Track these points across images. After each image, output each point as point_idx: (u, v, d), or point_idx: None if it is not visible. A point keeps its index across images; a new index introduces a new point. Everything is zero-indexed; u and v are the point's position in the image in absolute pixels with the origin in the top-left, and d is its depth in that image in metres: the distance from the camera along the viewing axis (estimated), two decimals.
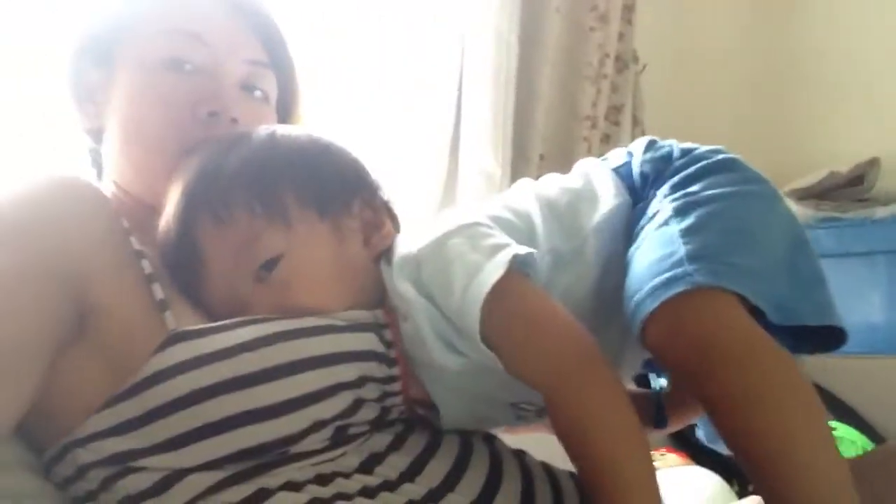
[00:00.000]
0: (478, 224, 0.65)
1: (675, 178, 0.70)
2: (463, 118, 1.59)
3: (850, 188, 1.86)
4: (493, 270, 0.59)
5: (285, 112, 0.84)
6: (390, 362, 0.62)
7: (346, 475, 0.58)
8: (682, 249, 0.63)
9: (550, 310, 0.61)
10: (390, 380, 0.62)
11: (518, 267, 0.61)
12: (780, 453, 0.57)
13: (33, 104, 1.03)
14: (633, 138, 2.02)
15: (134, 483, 0.57)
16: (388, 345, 0.63)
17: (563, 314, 0.61)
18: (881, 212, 1.70)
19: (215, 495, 0.56)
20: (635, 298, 0.62)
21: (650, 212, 0.69)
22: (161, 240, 0.67)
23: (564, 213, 0.71)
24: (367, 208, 0.69)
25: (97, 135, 0.79)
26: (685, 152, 0.73)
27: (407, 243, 0.66)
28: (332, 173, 0.68)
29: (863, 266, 1.69)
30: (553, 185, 0.75)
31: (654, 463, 0.58)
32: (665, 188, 0.70)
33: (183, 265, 0.65)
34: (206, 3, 0.78)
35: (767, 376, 0.58)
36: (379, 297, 0.66)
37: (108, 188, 0.79)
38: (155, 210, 0.74)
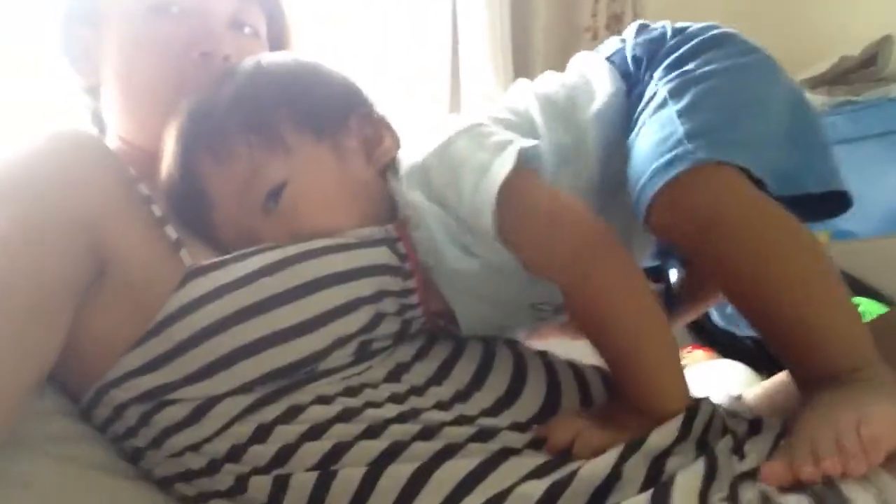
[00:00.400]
0: (480, 125, 0.65)
1: (669, 59, 0.69)
2: (460, 44, 1.58)
3: (863, 70, 1.82)
4: (501, 167, 0.59)
5: (276, 46, 0.84)
6: (406, 275, 0.63)
7: (374, 385, 0.60)
8: (680, 129, 0.63)
9: (562, 201, 0.62)
10: (408, 292, 0.63)
11: (525, 161, 0.61)
12: (797, 316, 0.58)
13: (31, 104, 1.04)
14: None
15: (170, 415, 0.59)
16: (403, 257, 0.63)
17: (575, 204, 0.62)
18: None
19: (250, 416, 0.58)
20: (639, 184, 0.63)
21: (647, 96, 0.69)
22: (165, 186, 0.68)
23: (563, 108, 0.71)
24: (364, 124, 0.69)
25: (95, 92, 0.80)
26: (678, 31, 0.72)
27: (412, 153, 0.66)
28: (325, 93, 0.68)
29: (881, 147, 1.66)
30: (550, 82, 0.75)
31: (679, 353, 0.59)
32: (660, 70, 0.69)
33: (190, 208, 0.66)
34: None
35: (776, 238, 0.59)
36: (389, 211, 0.67)
37: (112, 143, 0.80)
38: (151, 154, 0.74)
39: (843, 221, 1.64)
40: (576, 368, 0.67)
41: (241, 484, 0.59)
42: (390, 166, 0.68)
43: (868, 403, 0.52)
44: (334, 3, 1.45)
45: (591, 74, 0.73)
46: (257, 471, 0.58)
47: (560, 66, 1.75)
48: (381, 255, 0.63)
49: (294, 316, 0.58)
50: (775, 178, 0.63)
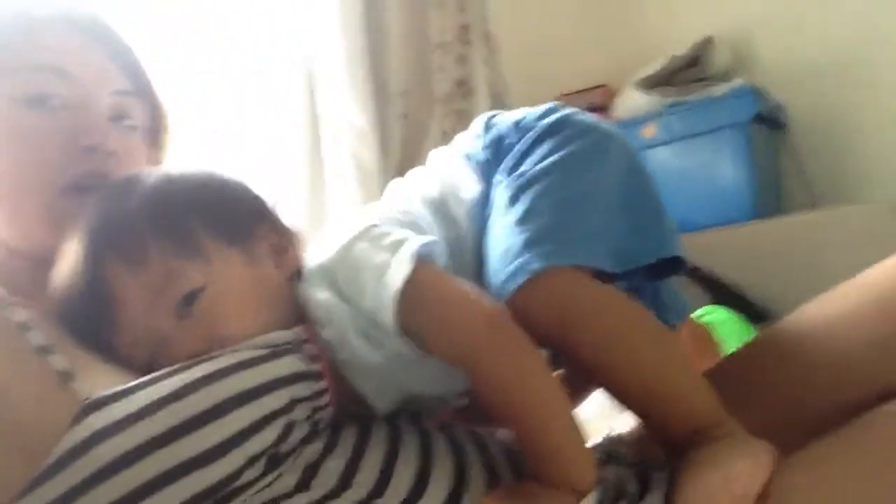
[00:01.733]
0: (374, 226, 0.68)
1: (508, 160, 0.74)
2: (316, 70, 1.58)
3: (690, 69, 1.98)
4: (399, 266, 0.63)
5: (152, 136, 0.83)
6: (317, 376, 0.63)
7: (289, 496, 0.59)
8: (517, 240, 0.68)
9: (457, 288, 0.65)
10: (319, 394, 0.63)
11: (421, 256, 0.64)
12: (649, 392, 0.65)
13: None
14: (487, 55, 2.06)
15: None
16: (312, 359, 0.64)
17: (470, 290, 0.66)
18: (719, 90, 1.83)
19: None
20: (493, 293, 0.68)
21: (493, 199, 0.74)
22: (63, 292, 0.65)
23: (440, 206, 0.75)
24: (271, 232, 0.71)
25: None
26: (514, 126, 0.77)
27: (315, 256, 0.69)
28: (234, 203, 0.70)
29: (710, 143, 1.82)
30: (423, 182, 0.79)
31: (580, 429, 0.63)
32: (502, 173, 0.74)
33: (92, 314, 0.64)
34: (63, 35, 0.74)
35: (616, 326, 0.66)
36: (297, 314, 0.68)
37: None
38: (31, 260, 0.72)
39: (684, 214, 1.79)
40: (480, 442, 0.69)
41: None
42: (296, 272, 0.70)
43: (728, 460, 0.60)
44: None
45: (455, 175, 0.77)
46: None
47: (416, 82, 1.79)
48: (292, 364, 0.62)
49: (209, 439, 0.56)
50: (611, 260, 0.70)
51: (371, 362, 0.65)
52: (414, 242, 0.65)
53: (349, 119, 1.58)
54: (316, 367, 0.64)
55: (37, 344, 0.62)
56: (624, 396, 0.68)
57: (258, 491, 0.58)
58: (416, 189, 0.78)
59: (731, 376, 0.77)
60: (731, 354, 0.87)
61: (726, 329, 1.43)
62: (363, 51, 1.60)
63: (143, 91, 0.81)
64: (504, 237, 0.70)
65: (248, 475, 0.57)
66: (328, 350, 0.65)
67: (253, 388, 0.59)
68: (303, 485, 0.60)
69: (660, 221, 0.75)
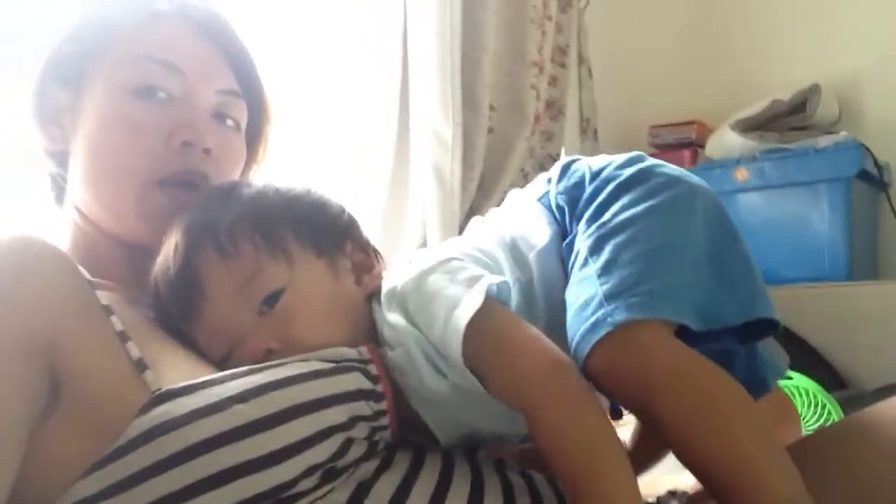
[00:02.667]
0: (452, 259, 0.68)
1: (589, 210, 0.71)
2: (410, 76, 1.57)
3: (793, 116, 1.90)
4: (471, 301, 0.62)
5: (253, 139, 0.84)
6: (378, 397, 0.63)
7: None
8: (599, 291, 0.64)
9: (526, 333, 0.64)
10: (379, 415, 0.63)
11: (493, 295, 0.63)
12: (731, 469, 0.60)
13: None
14: (579, 78, 2.03)
15: None
16: (375, 379, 0.64)
17: (538, 336, 0.63)
18: (823, 141, 1.74)
19: None
20: (572, 346, 0.65)
21: (574, 249, 0.71)
22: (158, 273, 0.68)
23: (513, 249, 0.73)
24: (357, 250, 0.73)
25: (61, 158, 0.77)
26: (595, 175, 0.73)
27: (391, 280, 0.69)
28: (327, 218, 0.73)
29: (807, 194, 1.74)
30: (500, 222, 0.78)
31: (636, 485, 0.60)
32: (582, 223, 0.71)
33: (181, 297, 0.67)
34: (179, 30, 0.76)
35: (700, 398, 0.61)
36: (369, 333, 0.69)
37: (68, 213, 0.77)
38: (119, 246, 0.74)
39: (770, 265, 1.72)
40: (532, 487, 0.67)
41: None
42: (374, 293, 0.71)
43: None
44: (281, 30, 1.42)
45: (527, 218, 0.76)
46: None
47: (505, 100, 1.77)
48: (355, 381, 0.63)
49: (269, 444, 0.57)
50: (696, 317, 0.65)
51: (436, 391, 0.64)
52: (488, 280, 0.64)
53: (434, 128, 1.55)
54: (378, 387, 0.64)
55: (118, 329, 0.63)
56: (703, 473, 0.62)
57: (310, 502, 0.58)
58: (491, 229, 0.77)
59: (815, 457, 0.71)
60: (819, 432, 0.82)
61: (802, 396, 1.35)
62: (457, 63, 1.58)
63: (249, 92, 0.82)
64: (585, 288, 0.66)
65: (303, 485, 0.58)
66: (393, 373, 0.65)
67: (316, 399, 0.60)
68: (354, 501, 0.59)
69: (751, 279, 0.69)
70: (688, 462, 0.63)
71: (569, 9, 1.94)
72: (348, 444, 0.61)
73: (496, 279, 0.65)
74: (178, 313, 0.67)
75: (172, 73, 0.74)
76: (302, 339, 0.65)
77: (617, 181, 0.71)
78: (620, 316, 0.62)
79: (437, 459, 0.65)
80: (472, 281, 0.64)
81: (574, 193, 0.74)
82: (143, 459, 0.56)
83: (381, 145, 1.56)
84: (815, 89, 1.88)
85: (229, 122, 0.78)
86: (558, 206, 0.75)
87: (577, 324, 0.65)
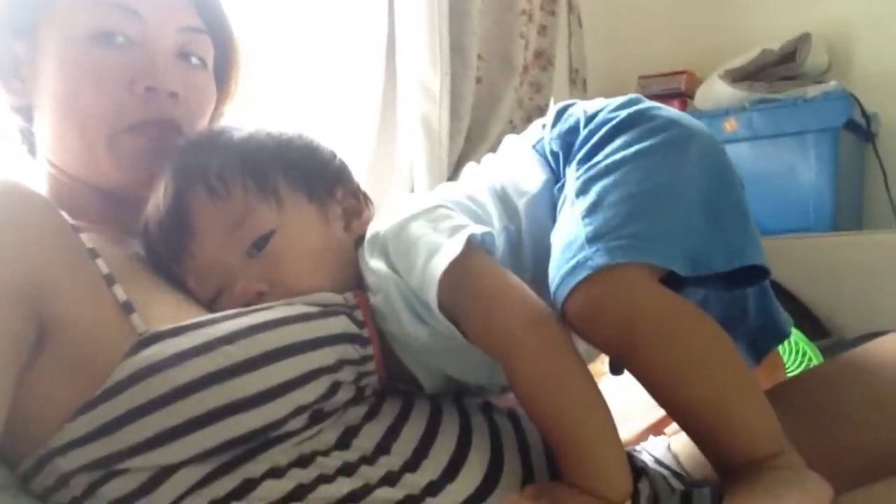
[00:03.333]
0: (439, 206, 0.67)
1: (581, 152, 0.69)
2: (397, 24, 1.54)
3: (783, 65, 1.88)
4: (451, 249, 0.62)
5: (222, 75, 0.82)
6: (364, 342, 0.65)
7: (325, 453, 0.60)
8: (582, 233, 0.63)
9: (504, 281, 0.63)
10: (365, 360, 0.65)
11: (476, 245, 0.63)
12: (714, 413, 0.60)
13: None
14: (569, 27, 2.00)
15: (120, 486, 0.57)
16: (361, 324, 0.65)
17: (517, 284, 0.63)
18: (812, 91, 1.73)
19: (202, 490, 0.57)
20: (552, 290, 0.64)
21: (564, 192, 0.70)
22: (149, 215, 0.69)
23: (503, 197, 0.73)
24: (348, 196, 0.74)
25: (27, 112, 0.76)
26: (590, 119, 0.71)
27: (375, 225, 0.69)
28: (318, 162, 0.73)
29: (795, 145, 1.74)
30: (493, 170, 0.77)
31: (619, 436, 0.60)
32: (573, 165, 0.70)
33: (172, 238, 0.67)
34: None
35: (687, 347, 0.61)
36: (356, 279, 0.69)
37: (41, 166, 0.76)
38: (96, 191, 0.74)
39: (756, 216, 1.73)
40: (519, 428, 0.67)
41: None
42: (361, 238, 0.71)
43: (783, 493, 0.56)
44: None
45: (521, 165, 0.75)
46: None
47: (494, 49, 1.74)
48: (341, 324, 0.64)
49: (255, 385, 0.58)
50: (684, 262, 0.63)
51: (416, 337, 0.65)
52: (471, 230, 0.64)
53: (422, 79, 1.53)
54: (364, 332, 0.65)
55: (105, 272, 0.63)
56: (684, 419, 0.63)
57: (298, 443, 0.60)
58: (483, 176, 0.76)
59: (795, 400, 0.73)
60: (799, 376, 0.82)
61: (785, 344, 1.37)
62: (444, 11, 1.55)
63: (214, 27, 0.79)
64: (569, 229, 0.65)
65: (292, 425, 0.59)
66: (376, 318, 0.66)
67: (303, 341, 0.61)
68: (342, 444, 0.61)
69: (743, 225, 0.68)
70: (668, 408, 0.64)
71: None
72: (336, 387, 0.62)
73: (480, 229, 0.64)
74: (168, 254, 0.68)
75: (129, 14, 0.71)
76: (290, 282, 0.66)
77: (611, 123, 0.69)
78: (601, 259, 0.61)
79: (426, 406, 0.66)
80: (455, 230, 0.64)
81: (569, 138, 0.72)
82: (131, 401, 0.57)
83: (368, 96, 1.53)
84: (805, 38, 1.86)
85: (194, 60, 0.76)
86: (552, 152, 0.74)
87: (557, 266, 0.64)
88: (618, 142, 0.68)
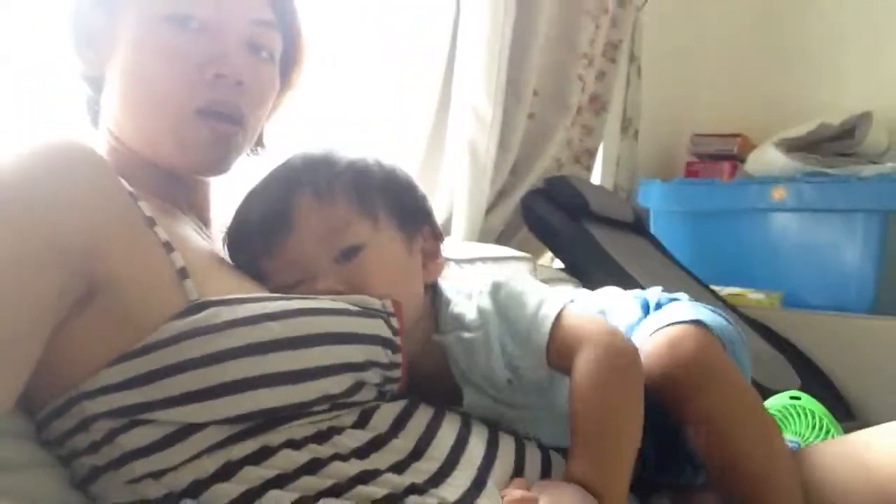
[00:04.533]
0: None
1: None
2: (458, 53, 1.55)
3: (840, 141, 1.86)
4: (559, 300, 0.73)
5: (286, 69, 0.83)
6: (395, 348, 0.67)
7: (341, 430, 0.62)
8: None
9: (604, 325, 0.73)
10: (393, 366, 0.67)
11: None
12: (756, 476, 0.69)
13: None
14: (627, 76, 2.00)
15: (140, 436, 0.59)
16: (395, 332, 0.68)
17: (614, 328, 0.73)
18: (867, 170, 1.70)
19: (220, 451, 0.59)
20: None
21: None
22: (252, 201, 0.74)
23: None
24: (430, 238, 0.79)
25: (96, 83, 0.77)
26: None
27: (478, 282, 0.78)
28: (414, 198, 0.79)
29: (842, 222, 1.71)
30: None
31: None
32: None
33: (270, 227, 0.72)
34: None
35: (751, 408, 0.73)
36: (423, 315, 0.76)
37: (103, 136, 0.78)
38: (150, 164, 0.75)
39: (797, 288, 1.69)
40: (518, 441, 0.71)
41: None
42: (431, 284, 0.79)
43: None
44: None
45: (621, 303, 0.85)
46: None
47: (550, 87, 1.75)
48: (377, 327, 0.67)
49: (289, 363, 0.60)
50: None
51: (495, 376, 0.72)
52: (571, 294, 0.77)
53: (475, 105, 1.54)
54: (397, 339, 0.68)
55: (164, 239, 0.65)
56: (727, 473, 0.70)
57: (317, 422, 0.62)
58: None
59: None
60: (810, 448, 0.83)
61: (807, 417, 1.33)
62: (506, 43, 1.55)
63: (284, 21, 0.81)
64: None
65: (314, 409, 0.62)
66: (457, 352, 0.73)
67: (340, 333, 0.64)
68: (359, 424, 0.64)
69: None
70: (716, 457, 0.71)
71: (627, 4, 1.91)
72: (359, 386, 0.64)
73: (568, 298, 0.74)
74: (263, 246, 0.72)
75: (206, 2, 0.73)
76: (366, 293, 0.69)
77: None
78: (686, 314, 0.75)
79: (431, 407, 0.70)
80: (556, 292, 0.76)
81: None
82: (171, 357, 0.59)
83: (420, 118, 1.54)
84: (866, 117, 1.84)
85: (263, 53, 0.77)
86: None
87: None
88: None
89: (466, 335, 0.72)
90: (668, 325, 0.74)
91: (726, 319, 0.78)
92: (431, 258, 0.78)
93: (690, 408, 0.71)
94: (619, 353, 0.68)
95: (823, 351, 1.55)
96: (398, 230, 0.75)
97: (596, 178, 1.97)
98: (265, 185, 0.75)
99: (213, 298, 0.62)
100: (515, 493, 0.60)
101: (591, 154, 1.91)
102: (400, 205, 0.75)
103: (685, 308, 0.77)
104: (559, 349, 0.69)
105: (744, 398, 0.72)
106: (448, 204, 1.56)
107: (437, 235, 0.80)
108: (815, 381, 1.49)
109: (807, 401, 1.13)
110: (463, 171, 1.53)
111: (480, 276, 0.82)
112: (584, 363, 0.67)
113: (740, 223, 1.81)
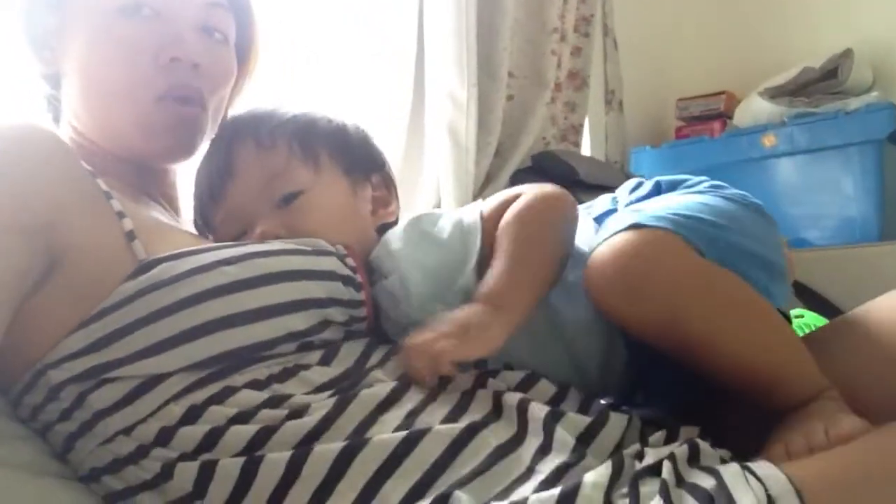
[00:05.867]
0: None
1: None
2: (426, 37, 1.56)
3: (825, 82, 1.84)
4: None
5: (242, 51, 0.84)
6: (357, 286, 0.68)
7: (307, 367, 0.62)
8: (625, 212, 0.71)
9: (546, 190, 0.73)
10: (357, 304, 0.67)
11: None
12: (754, 364, 0.64)
13: None
14: (604, 49, 2.00)
15: (108, 394, 0.60)
16: (353, 269, 0.68)
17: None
18: (854, 103, 1.69)
19: (184, 396, 0.59)
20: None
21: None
22: (201, 159, 0.77)
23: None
24: (381, 185, 0.80)
25: (54, 80, 0.78)
26: (671, 185, 0.77)
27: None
28: (363, 149, 0.79)
29: (837, 159, 1.69)
30: None
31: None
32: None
33: (213, 176, 0.74)
34: None
35: (727, 303, 0.65)
36: (366, 258, 0.73)
37: (65, 132, 0.79)
38: (114, 156, 0.76)
39: (800, 230, 1.66)
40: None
41: (167, 471, 0.58)
42: (382, 226, 0.77)
43: (835, 415, 0.60)
44: None
45: (580, 238, 0.76)
46: (184, 457, 0.58)
47: (526, 67, 1.75)
48: (331, 263, 0.67)
49: (250, 302, 0.61)
50: (717, 255, 0.66)
51: (421, 319, 0.66)
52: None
53: (450, 90, 1.54)
54: (357, 277, 0.68)
55: (117, 209, 0.66)
56: (731, 375, 0.65)
57: (283, 363, 0.62)
58: None
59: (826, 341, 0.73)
60: (812, 334, 0.83)
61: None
62: (472, 26, 1.56)
63: (236, 4, 0.81)
64: (614, 219, 0.70)
65: (280, 349, 0.62)
66: (379, 300, 0.69)
67: (295, 270, 0.64)
68: (325, 358, 0.63)
69: (781, 280, 0.72)
70: (713, 367, 0.65)
71: None
72: (326, 323, 0.65)
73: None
74: (207, 193, 0.74)
75: None
76: (307, 234, 0.70)
77: (694, 183, 0.76)
78: (634, 219, 0.65)
79: None
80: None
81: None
82: (129, 315, 0.60)
83: (397, 107, 1.55)
84: (847, 54, 1.83)
85: (217, 35, 0.78)
86: None
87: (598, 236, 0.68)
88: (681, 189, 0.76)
89: (383, 282, 0.70)
90: (598, 244, 0.66)
91: (707, 218, 0.68)
92: (382, 205, 0.79)
93: (646, 324, 0.65)
94: (550, 194, 0.71)
95: (835, 286, 1.52)
96: (342, 177, 0.75)
97: (586, 153, 1.96)
98: (214, 139, 0.77)
99: (162, 255, 0.63)
100: (415, 338, 0.61)
101: (578, 130, 1.90)
102: (346, 153, 0.76)
103: (619, 218, 0.69)
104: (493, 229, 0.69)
105: (707, 292, 0.64)
106: (435, 188, 1.56)
107: (388, 184, 0.80)
108: (828, 314, 1.46)
109: (811, 317, 1.11)
110: (446, 156, 1.53)
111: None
112: (515, 205, 0.69)
113: (736, 176, 1.76)
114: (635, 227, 0.64)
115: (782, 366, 0.64)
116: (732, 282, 0.65)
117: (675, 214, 0.66)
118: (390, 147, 1.51)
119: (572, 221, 0.72)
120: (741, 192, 0.75)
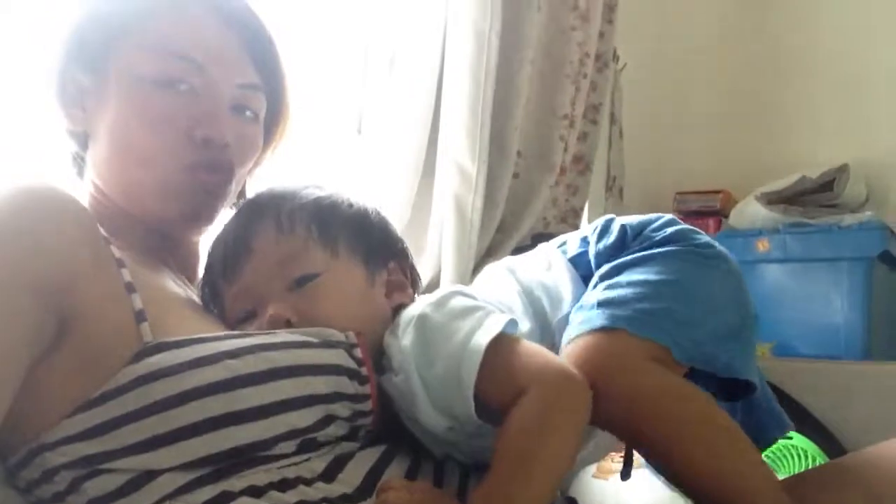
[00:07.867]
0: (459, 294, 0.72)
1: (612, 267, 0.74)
2: (442, 112, 1.60)
3: (820, 193, 1.89)
4: (495, 323, 0.66)
5: (270, 126, 0.85)
6: (362, 380, 0.66)
7: (308, 482, 0.60)
8: (595, 299, 0.69)
9: (543, 350, 0.67)
10: (362, 398, 0.65)
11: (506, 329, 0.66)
12: (713, 480, 0.64)
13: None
14: (609, 136, 2.05)
15: (103, 484, 0.58)
16: (359, 362, 0.66)
17: (553, 357, 0.67)
18: (848, 219, 1.73)
19: (182, 496, 0.58)
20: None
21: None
22: (218, 234, 0.76)
23: (538, 309, 0.76)
24: (398, 272, 0.78)
25: (81, 139, 0.79)
26: (635, 235, 0.76)
27: (411, 309, 0.72)
28: (382, 235, 0.79)
29: (828, 271, 1.73)
30: (524, 274, 0.80)
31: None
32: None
33: (229, 253, 0.73)
34: (203, 19, 0.77)
35: (678, 416, 0.65)
36: (379, 345, 0.72)
37: (87, 189, 0.79)
38: (134, 219, 0.76)
39: (787, 339, 1.68)
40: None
41: None
42: (397, 308, 0.75)
43: None
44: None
45: (559, 279, 0.77)
46: None
47: (534, 148, 1.78)
48: (338, 357, 0.66)
49: (253, 399, 0.59)
50: (685, 353, 0.68)
51: (429, 424, 0.65)
52: (507, 316, 0.68)
53: (459, 162, 1.57)
54: (363, 370, 0.66)
55: (127, 280, 0.65)
56: (692, 487, 0.65)
57: (283, 467, 0.60)
58: (512, 281, 0.79)
59: (800, 494, 0.71)
60: (804, 473, 0.82)
61: (800, 458, 1.33)
62: (487, 102, 1.60)
63: (270, 86, 0.83)
64: (586, 298, 0.71)
65: (281, 448, 0.60)
66: (391, 395, 0.67)
67: (301, 365, 0.62)
68: (327, 476, 0.61)
69: (748, 347, 0.74)
70: (675, 479, 0.66)
71: (605, 69, 1.97)
72: (329, 419, 0.63)
73: (507, 316, 0.67)
74: (221, 270, 0.73)
75: (195, 67, 0.75)
76: (319, 321, 0.68)
77: (654, 240, 0.75)
78: (601, 321, 0.66)
79: (407, 453, 0.67)
80: (486, 314, 0.68)
81: (612, 253, 0.76)
82: (130, 404, 0.58)
83: (407, 172, 1.57)
84: (843, 169, 1.88)
85: (248, 113, 0.80)
86: (597, 265, 0.77)
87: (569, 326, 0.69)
88: (655, 250, 0.74)
89: (394, 378, 0.67)
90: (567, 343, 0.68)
91: (674, 312, 0.69)
92: (399, 289, 0.77)
93: (610, 427, 0.68)
94: (567, 397, 0.62)
95: (817, 398, 1.53)
96: (359, 262, 0.74)
97: None
98: (234, 216, 0.77)
99: (168, 340, 0.62)
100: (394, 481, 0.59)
101: (578, 213, 1.93)
102: (365, 239, 0.75)
103: (588, 312, 0.69)
104: (489, 392, 0.63)
105: (662, 411, 0.65)
106: (436, 261, 1.57)
107: (406, 271, 0.79)
108: (809, 426, 1.48)
109: (799, 440, 1.12)
110: (449, 228, 1.55)
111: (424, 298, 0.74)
112: (527, 412, 0.61)
113: None
114: (603, 329, 0.66)
115: (734, 474, 0.64)
116: (688, 398, 0.66)
117: (642, 313, 0.67)
118: (396, 210, 1.54)
119: (584, 423, 0.64)
120: (707, 239, 0.76)
